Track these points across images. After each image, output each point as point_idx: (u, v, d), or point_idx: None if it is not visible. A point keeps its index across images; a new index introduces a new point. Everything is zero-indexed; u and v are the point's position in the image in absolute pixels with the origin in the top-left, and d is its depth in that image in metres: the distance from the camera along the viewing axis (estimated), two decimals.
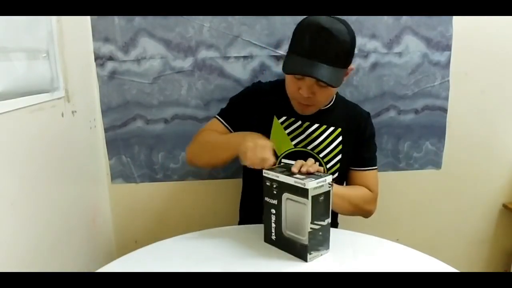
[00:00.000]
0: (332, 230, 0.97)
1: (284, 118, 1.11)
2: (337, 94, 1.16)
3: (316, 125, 1.11)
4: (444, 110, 1.41)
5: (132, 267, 0.85)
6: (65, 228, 1.04)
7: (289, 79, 1.02)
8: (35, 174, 0.90)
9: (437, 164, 1.46)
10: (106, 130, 1.35)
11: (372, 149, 1.16)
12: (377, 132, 1.39)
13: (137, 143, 1.37)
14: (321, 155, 1.10)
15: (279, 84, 1.11)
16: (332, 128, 1.11)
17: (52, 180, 0.98)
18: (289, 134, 1.10)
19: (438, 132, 1.43)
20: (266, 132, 1.09)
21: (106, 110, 1.33)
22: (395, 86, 1.38)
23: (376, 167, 1.15)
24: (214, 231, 1.01)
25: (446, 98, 1.40)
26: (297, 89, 0.99)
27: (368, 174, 1.13)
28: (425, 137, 1.43)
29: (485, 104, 1.43)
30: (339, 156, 1.10)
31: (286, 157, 1.09)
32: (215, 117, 1.16)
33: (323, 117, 1.11)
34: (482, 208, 1.53)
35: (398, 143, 1.43)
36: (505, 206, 1.52)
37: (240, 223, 1.25)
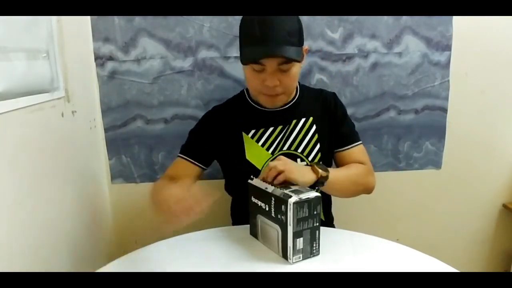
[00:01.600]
0: (331, 230, 0.97)
1: (253, 131, 1.08)
2: (299, 84, 1.14)
3: (287, 124, 1.09)
4: (444, 110, 1.41)
5: (132, 267, 0.85)
6: (65, 228, 1.04)
7: (250, 75, 0.99)
8: (35, 174, 0.90)
9: (437, 164, 1.46)
10: (106, 130, 1.35)
11: (350, 125, 1.13)
12: (377, 132, 1.40)
13: (137, 143, 1.37)
14: (299, 150, 1.07)
15: (235, 99, 1.11)
16: (303, 120, 1.09)
17: (52, 180, 0.98)
18: (264, 144, 1.07)
19: (438, 132, 1.43)
20: (240, 151, 1.06)
21: (106, 110, 1.33)
22: (395, 86, 1.38)
23: (360, 142, 1.11)
24: (214, 231, 1.01)
25: (446, 98, 1.40)
26: (262, 82, 0.97)
27: (354, 151, 1.09)
28: (425, 137, 1.43)
29: (485, 104, 1.43)
30: (318, 146, 1.08)
31: None
32: (178, 156, 1.10)
33: (291, 112, 1.09)
34: (482, 208, 1.53)
35: (398, 143, 1.43)
36: (505, 206, 1.52)
37: (233, 224, 1.24)
